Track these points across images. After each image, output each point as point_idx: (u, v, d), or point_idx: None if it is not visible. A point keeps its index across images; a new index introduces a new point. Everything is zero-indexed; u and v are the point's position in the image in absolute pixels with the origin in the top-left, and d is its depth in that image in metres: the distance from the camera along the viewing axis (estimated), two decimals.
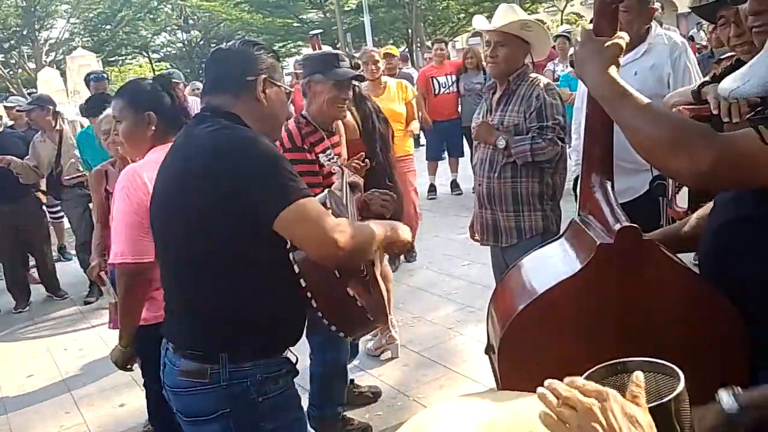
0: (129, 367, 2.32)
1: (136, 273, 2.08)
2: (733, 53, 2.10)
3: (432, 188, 7.86)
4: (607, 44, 1.34)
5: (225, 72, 1.65)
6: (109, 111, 3.28)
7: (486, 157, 2.85)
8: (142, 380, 2.65)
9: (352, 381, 3.32)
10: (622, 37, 1.36)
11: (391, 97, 4.99)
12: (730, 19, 1.78)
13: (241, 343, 1.56)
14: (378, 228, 1.65)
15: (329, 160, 2.59)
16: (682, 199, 2.33)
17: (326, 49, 3.68)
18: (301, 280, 1.56)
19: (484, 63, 7.28)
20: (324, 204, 1.64)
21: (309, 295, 1.57)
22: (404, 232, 1.74)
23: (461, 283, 4.86)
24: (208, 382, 1.55)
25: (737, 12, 1.74)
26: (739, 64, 1.91)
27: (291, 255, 1.55)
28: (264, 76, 1.63)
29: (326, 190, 1.85)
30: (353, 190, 2.26)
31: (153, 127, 2.24)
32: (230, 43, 1.75)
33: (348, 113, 3.09)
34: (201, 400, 1.57)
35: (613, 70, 1.30)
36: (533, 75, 2.85)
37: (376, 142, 3.36)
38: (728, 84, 0.70)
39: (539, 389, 0.87)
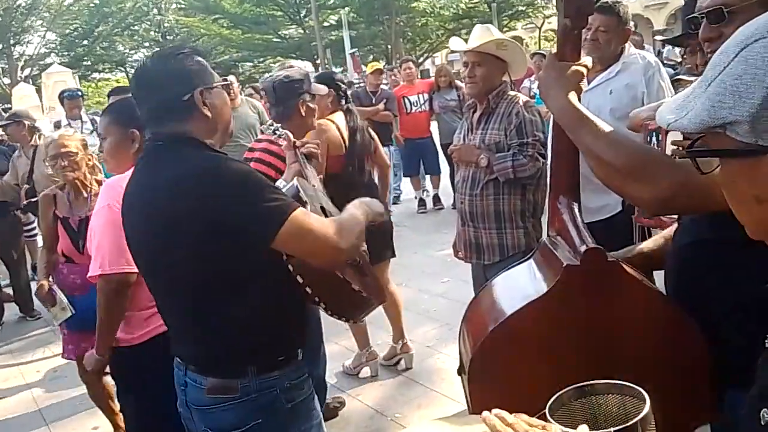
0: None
1: (120, 283, 2.11)
2: (687, 77, 2.17)
3: (422, 202, 7.98)
4: (569, 71, 1.37)
5: (159, 102, 1.58)
6: (55, 135, 3.31)
7: (468, 175, 2.87)
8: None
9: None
10: (585, 64, 1.40)
11: None
12: (695, 47, 1.84)
13: (266, 354, 1.60)
14: (359, 212, 1.69)
15: (275, 133, 2.36)
16: None
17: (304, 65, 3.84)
18: (299, 278, 1.59)
19: (457, 81, 7.39)
20: (298, 197, 1.67)
21: (309, 290, 1.62)
22: (376, 206, 1.78)
23: (441, 301, 4.86)
24: (238, 396, 1.57)
25: (702, 39, 1.80)
26: None
27: (284, 256, 1.58)
28: (199, 88, 1.57)
29: (295, 179, 1.86)
30: (309, 160, 2.25)
31: (137, 145, 2.25)
32: (147, 65, 1.63)
33: (334, 130, 3.24)
34: (232, 414, 1.58)
35: (573, 96, 1.33)
36: (512, 93, 2.89)
37: (355, 159, 3.35)
38: (666, 114, 0.72)
39: (484, 413, 0.91)
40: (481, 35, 2.84)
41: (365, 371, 3.79)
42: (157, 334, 2.17)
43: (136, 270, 2.06)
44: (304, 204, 1.64)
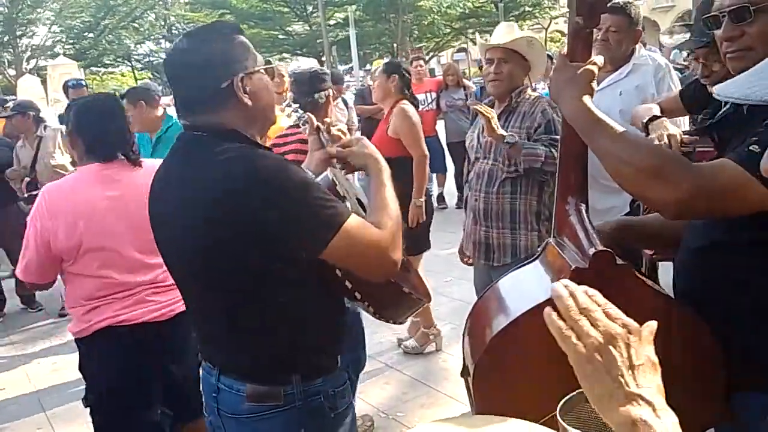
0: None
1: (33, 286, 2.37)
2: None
3: (441, 198, 7.90)
4: (580, 71, 1.35)
5: (195, 89, 1.45)
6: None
7: (484, 170, 2.76)
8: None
9: None
10: (596, 63, 1.38)
11: None
12: (699, 57, 1.82)
13: (311, 361, 1.52)
14: (394, 204, 1.52)
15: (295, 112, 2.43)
16: None
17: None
18: (347, 282, 1.48)
19: (465, 80, 7.36)
20: (335, 190, 1.55)
21: (358, 296, 1.51)
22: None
23: (444, 300, 4.85)
24: (283, 404, 1.47)
25: (705, 53, 1.78)
26: (696, 87, 1.96)
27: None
28: (240, 74, 1.43)
29: (329, 170, 1.72)
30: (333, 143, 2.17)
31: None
32: (183, 45, 1.47)
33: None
34: (275, 423, 1.48)
35: (587, 99, 1.32)
36: (534, 93, 2.84)
37: None
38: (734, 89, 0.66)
39: (554, 285, 0.80)
40: (509, 32, 2.76)
41: (431, 347, 4.00)
42: (100, 328, 2.23)
43: (52, 280, 2.29)
44: (342, 199, 1.52)
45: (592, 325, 0.75)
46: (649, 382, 0.74)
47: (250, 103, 1.45)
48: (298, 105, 2.18)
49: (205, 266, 1.45)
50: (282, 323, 1.47)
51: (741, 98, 0.63)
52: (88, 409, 2.20)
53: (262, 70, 1.50)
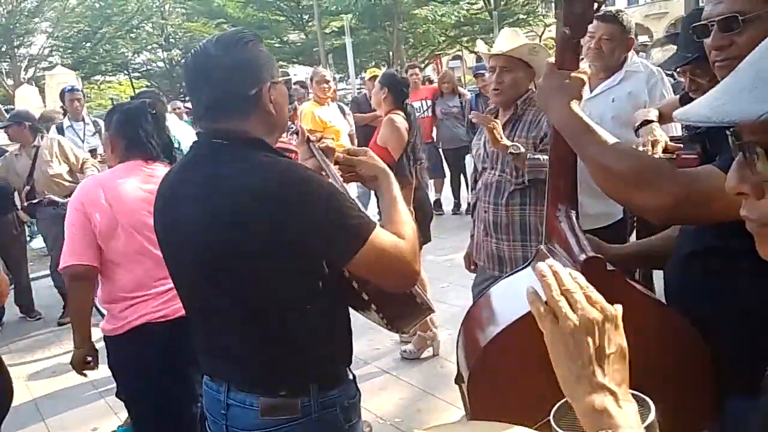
0: (89, 364, 2.43)
1: (76, 274, 2.28)
2: None
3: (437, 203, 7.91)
4: (569, 79, 1.37)
5: (225, 93, 1.41)
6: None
7: (492, 182, 2.69)
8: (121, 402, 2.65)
9: None
10: (585, 71, 1.41)
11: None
12: (686, 71, 1.84)
13: (327, 371, 1.50)
14: (409, 216, 1.52)
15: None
16: None
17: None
18: (364, 294, 1.48)
19: (460, 88, 7.41)
20: (320, 168, 1.55)
21: (374, 307, 1.51)
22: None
23: (441, 306, 4.83)
24: (300, 416, 1.43)
25: (692, 68, 1.80)
26: (687, 97, 1.98)
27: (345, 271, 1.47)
28: (268, 83, 1.43)
29: (331, 180, 1.69)
30: (328, 156, 2.16)
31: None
32: (209, 51, 1.42)
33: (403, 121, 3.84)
34: None
35: (575, 106, 1.33)
36: None
37: (409, 152, 3.90)
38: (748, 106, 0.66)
39: (539, 264, 0.81)
40: (512, 39, 2.68)
41: (428, 351, 4.05)
42: (137, 325, 2.28)
43: (96, 264, 2.28)
44: None
45: (571, 307, 0.76)
46: (616, 371, 0.76)
47: (274, 112, 1.45)
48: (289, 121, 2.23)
49: (224, 273, 1.41)
50: (298, 333, 1.44)
51: (700, 121, 0.64)
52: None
53: (283, 82, 1.49)
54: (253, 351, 1.46)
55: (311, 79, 5.87)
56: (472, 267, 3.02)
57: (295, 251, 1.35)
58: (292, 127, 2.24)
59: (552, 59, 1.49)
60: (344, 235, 1.34)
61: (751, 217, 0.67)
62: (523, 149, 2.51)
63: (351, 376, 1.59)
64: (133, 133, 2.42)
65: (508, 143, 2.51)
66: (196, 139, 1.54)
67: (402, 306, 1.55)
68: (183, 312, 1.98)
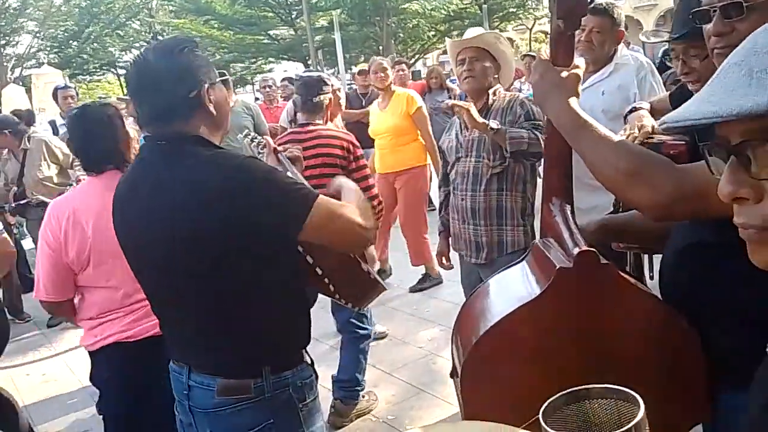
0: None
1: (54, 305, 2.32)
2: None
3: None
4: (565, 75, 1.37)
5: (164, 99, 1.50)
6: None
7: (469, 170, 2.78)
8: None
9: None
10: (579, 67, 1.39)
11: (395, 109, 5.20)
12: (679, 54, 1.82)
13: (280, 354, 1.60)
14: (357, 188, 1.69)
15: (252, 141, 2.52)
16: None
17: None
18: (318, 269, 1.61)
19: (448, 82, 7.39)
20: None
21: (327, 281, 1.65)
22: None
23: (434, 303, 4.86)
24: (252, 396, 1.55)
25: (685, 48, 1.78)
26: (683, 91, 1.97)
27: (300, 248, 1.59)
28: (206, 85, 1.53)
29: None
30: (294, 164, 2.23)
31: None
32: (149, 60, 1.53)
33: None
34: (244, 415, 1.56)
35: (574, 101, 1.33)
36: (507, 92, 2.89)
37: None
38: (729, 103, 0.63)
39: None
40: (476, 33, 2.85)
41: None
42: (106, 344, 2.25)
43: (71, 296, 2.28)
44: None
45: None
46: None
47: (214, 111, 1.55)
48: (253, 135, 2.37)
49: (182, 267, 1.52)
50: (252, 320, 1.54)
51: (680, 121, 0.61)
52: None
53: (220, 83, 1.60)
54: (209, 339, 1.58)
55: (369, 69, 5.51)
56: (446, 263, 3.16)
57: (248, 233, 1.45)
58: (261, 141, 2.28)
59: (540, 50, 1.48)
60: (292, 205, 1.46)
61: (750, 222, 0.64)
62: (496, 124, 2.61)
63: (309, 360, 1.68)
64: (79, 145, 2.28)
65: (486, 121, 2.61)
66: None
67: (355, 281, 1.71)
68: (153, 332, 2.04)
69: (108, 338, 2.24)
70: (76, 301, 2.34)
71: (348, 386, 3.30)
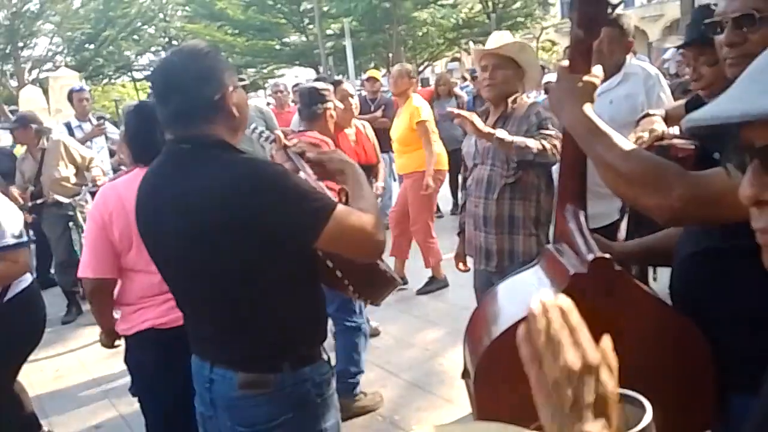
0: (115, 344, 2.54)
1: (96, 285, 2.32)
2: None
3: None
4: (582, 82, 1.39)
5: (190, 101, 1.52)
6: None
7: (483, 177, 2.77)
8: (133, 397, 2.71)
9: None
10: (597, 75, 1.41)
11: (404, 118, 5.37)
12: (690, 60, 1.84)
13: (300, 349, 1.63)
14: (371, 195, 1.69)
15: (260, 136, 2.52)
16: None
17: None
18: (338, 272, 1.64)
19: (456, 90, 7.41)
20: (297, 170, 1.72)
21: (346, 282, 1.68)
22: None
23: (440, 305, 4.89)
24: (273, 390, 1.58)
25: (695, 55, 1.81)
26: (699, 98, 2.00)
27: (320, 253, 1.61)
28: (230, 88, 1.56)
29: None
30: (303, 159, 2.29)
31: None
32: (175, 62, 1.57)
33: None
34: (264, 409, 1.59)
35: (588, 108, 1.34)
36: (528, 99, 2.89)
37: None
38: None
39: (531, 304, 0.76)
40: (502, 38, 2.81)
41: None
42: (142, 329, 2.31)
43: (113, 276, 2.32)
44: None
45: (554, 357, 0.72)
46: (599, 417, 0.70)
47: (236, 114, 1.58)
48: (261, 130, 2.37)
49: (208, 272, 1.55)
50: (273, 316, 1.58)
51: (706, 121, 0.61)
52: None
53: (241, 86, 1.62)
54: (232, 336, 1.61)
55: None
56: (462, 267, 3.15)
57: (268, 239, 1.47)
58: (269, 135, 2.32)
59: (547, 60, 1.51)
60: (310, 214, 1.48)
61: None
62: (503, 134, 2.59)
63: (325, 357, 1.71)
64: (148, 134, 2.37)
65: (492, 130, 2.60)
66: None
67: (373, 280, 1.74)
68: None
69: (144, 323, 2.30)
70: (116, 288, 2.41)
71: (341, 378, 3.21)
